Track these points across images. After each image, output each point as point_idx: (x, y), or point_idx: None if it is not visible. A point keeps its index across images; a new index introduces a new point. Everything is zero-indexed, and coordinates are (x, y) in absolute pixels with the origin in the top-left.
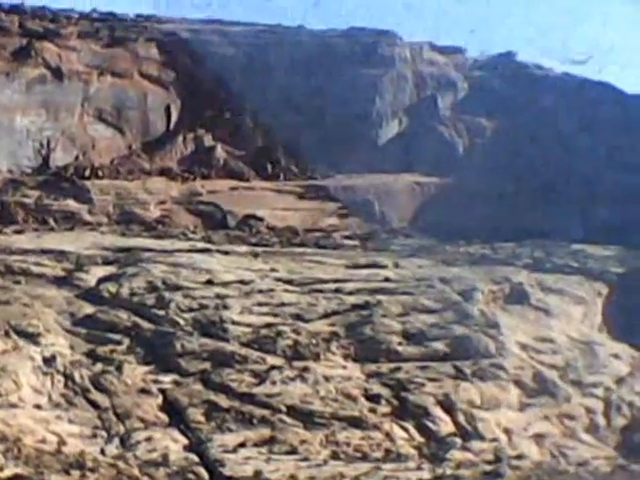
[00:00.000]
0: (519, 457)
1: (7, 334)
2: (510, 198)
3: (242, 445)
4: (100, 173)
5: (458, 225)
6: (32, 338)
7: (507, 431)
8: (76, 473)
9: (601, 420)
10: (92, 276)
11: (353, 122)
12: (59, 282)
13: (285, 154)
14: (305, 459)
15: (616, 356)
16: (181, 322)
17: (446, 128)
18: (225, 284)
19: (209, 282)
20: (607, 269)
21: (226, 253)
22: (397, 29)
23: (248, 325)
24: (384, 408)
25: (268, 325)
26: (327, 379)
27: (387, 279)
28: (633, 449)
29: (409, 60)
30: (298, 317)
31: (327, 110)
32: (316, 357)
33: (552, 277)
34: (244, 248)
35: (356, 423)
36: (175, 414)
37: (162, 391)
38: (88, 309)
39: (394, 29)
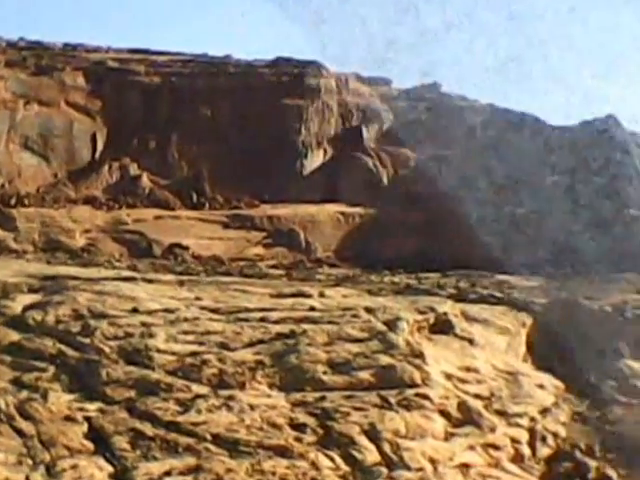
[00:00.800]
0: None
1: None
2: (434, 228)
3: (168, 474)
4: (26, 201)
5: (383, 255)
6: None
7: (433, 461)
8: None
9: (526, 450)
10: (18, 304)
11: (278, 152)
12: None
13: (210, 183)
14: None
15: (541, 386)
16: (106, 350)
17: (371, 158)
18: (150, 312)
19: (134, 310)
20: (531, 300)
21: (151, 281)
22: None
23: (173, 353)
24: (310, 437)
25: (193, 353)
26: (252, 408)
27: (312, 308)
28: (558, 479)
29: (335, 90)
30: (223, 346)
31: (252, 140)
32: (241, 386)
33: (476, 307)
34: (169, 277)
35: (282, 452)
36: (100, 442)
37: (87, 419)
38: (13, 336)
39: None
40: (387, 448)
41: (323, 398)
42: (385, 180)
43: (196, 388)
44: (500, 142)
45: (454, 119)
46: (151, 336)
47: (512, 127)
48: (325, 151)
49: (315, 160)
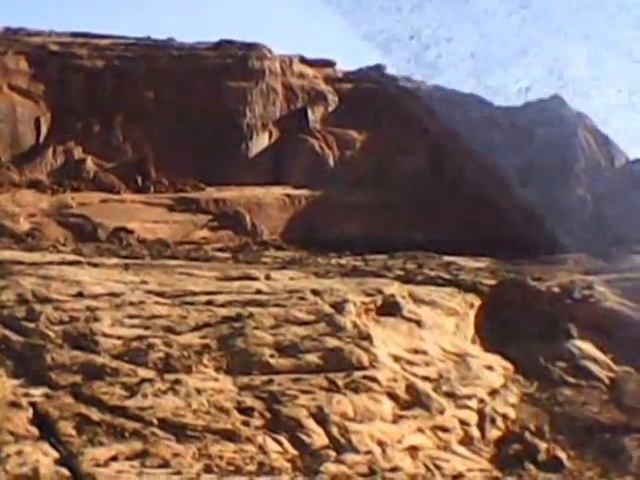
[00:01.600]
0: (393, 470)
1: None
2: (381, 210)
3: (114, 459)
4: None
5: (330, 237)
6: None
7: (381, 443)
8: None
9: (475, 432)
10: None
11: (223, 135)
12: None
13: (155, 167)
14: (177, 473)
15: (489, 368)
16: (51, 335)
17: (316, 140)
18: (95, 296)
19: (79, 295)
20: (479, 281)
21: (96, 265)
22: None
23: (119, 337)
24: (257, 421)
25: (139, 337)
26: (199, 392)
27: (259, 291)
28: (507, 461)
29: (279, 73)
30: (169, 329)
31: (197, 123)
32: (188, 370)
33: (424, 289)
34: (115, 260)
35: (229, 436)
36: (46, 427)
37: (32, 404)
38: None
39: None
40: (335, 431)
41: (270, 381)
42: (331, 162)
43: (142, 372)
44: (447, 123)
45: (397, 101)
46: (96, 320)
47: (458, 108)
48: (270, 133)
49: (260, 142)
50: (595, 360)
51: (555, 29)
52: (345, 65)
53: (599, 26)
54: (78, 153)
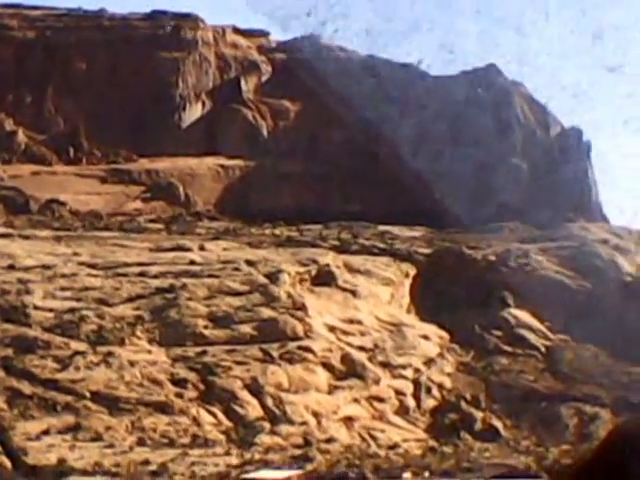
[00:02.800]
0: (328, 441)
1: None
2: (315, 180)
3: (46, 432)
4: None
5: (264, 207)
6: None
7: (316, 414)
8: None
9: (411, 402)
10: None
11: (156, 105)
12: None
13: (87, 138)
14: (110, 446)
15: (425, 337)
16: None
17: (250, 111)
18: (27, 269)
19: (11, 267)
20: (414, 250)
21: (28, 238)
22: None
23: (51, 310)
24: (191, 393)
25: (71, 310)
26: (132, 364)
27: (192, 262)
28: (444, 431)
29: (212, 43)
30: (102, 301)
31: (129, 94)
32: (121, 342)
33: (359, 258)
34: (47, 232)
35: (162, 408)
36: None
37: None
38: None
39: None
40: (270, 402)
41: (204, 353)
42: (264, 132)
43: (74, 345)
44: (378, 92)
45: (332, 70)
46: (28, 293)
47: (391, 78)
48: (203, 104)
49: (193, 113)
50: (531, 329)
51: (447, 4)
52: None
53: (489, 1)
54: (9, 125)
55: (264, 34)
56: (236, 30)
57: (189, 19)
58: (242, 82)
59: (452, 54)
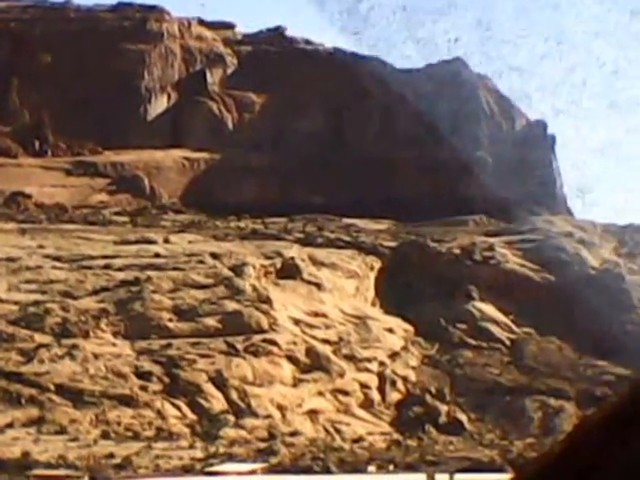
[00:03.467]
0: (293, 434)
1: None
2: (281, 172)
3: (10, 426)
4: None
5: (229, 200)
6: None
7: (281, 407)
8: None
9: (376, 395)
10: None
11: (121, 98)
12: None
13: (53, 130)
14: (75, 439)
15: (390, 330)
16: None
17: (215, 103)
18: None
19: None
20: (379, 243)
21: None
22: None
23: (15, 303)
24: (155, 386)
25: (36, 302)
26: (97, 357)
27: (157, 255)
28: (408, 424)
29: (177, 35)
30: (67, 294)
31: (95, 86)
32: (85, 334)
33: (324, 251)
34: (11, 225)
35: (127, 401)
36: None
37: None
38: None
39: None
40: (234, 395)
41: (169, 346)
42: (230, 125)
43: (39, 338)
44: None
45: (296, 64)
46: None
47: (358, 71)
48: (169, 96)
49: (159, 105)
50: (496, 322)
51: None
52: (249, 24)
53: None
54: None
55: (230, 26)
56: (202, 22)
57: (155, 11)
58: (207, 74)
59: (489, 31)
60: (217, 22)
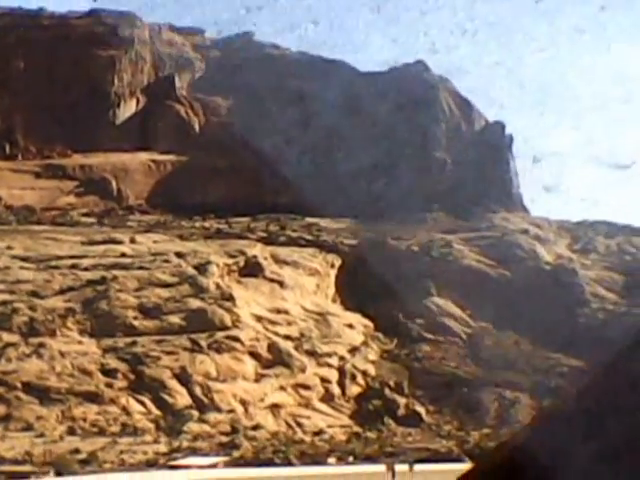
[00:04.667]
0: (255, 428)
1: None
2: (245, 174)
3: None
4: None
5: (195, 201)
6: None
7: (243, 402)
8: None
9: (336, 389)
10: None
11: (91, 102)
12: None
13: (23, 134)
14: (41, 435)
15: (350, 326)
16: None
17: (182, 107)
18: None
19: None
20: (340, 241)
21: None
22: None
23: None
24: (120, 382)
25: (4, 302)
26: (63, 355)
27: (123, 254)
28: (368, 417)
29: (148, 41)
30: (34, 294)
31: (65, 91)
32: (52, 333)
33: (286, 250)
34: None
35: (92, 398)
36: None
37: None
38: None
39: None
40: (198, 391)
41: (134, 343)
42: (197, 128)
43: (6, 337)
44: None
45: (263, 68)
46: None
47: (320, 75)
48: (138, 100)
49: (128, 109)
50: (453, 317)
51: None
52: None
53: None
54: None
55: (199, 32)
56: (172, 28)
57: (127, 17)
58: (176, 79)
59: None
60: (187, 28)
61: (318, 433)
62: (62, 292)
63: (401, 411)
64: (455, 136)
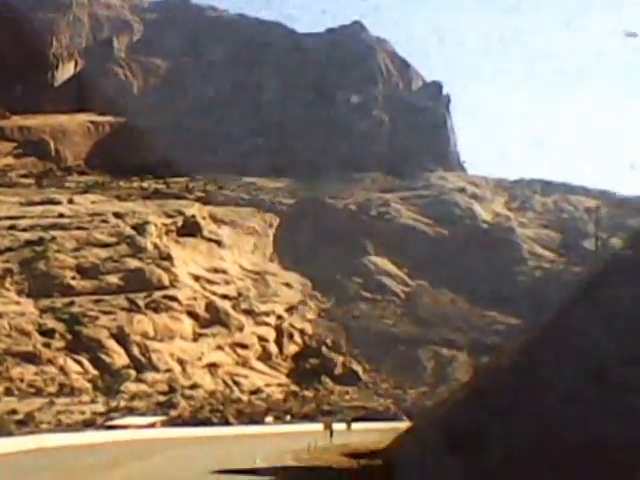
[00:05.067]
0: (193, 387)
1: None
2: (183, 134)
3: None
4: None
5: (133, 161)
6: None
7: (181, 361)
8: None
9: (273, 348)
10: None
11: (29, 65)
12: None
13: None
14: None
15: (287, 285)
16: None
17: (121, 69)
18: None
19: None
20: (278, 200)
21: None
22: None
23: None
24: (58, 342)
25: None
26: (0, 315)
27: (61, 215)
28: (305, 375)
29: (86, 3)
30: None
31: (3, 53)
32: None
33: (224, 209)
34: None
35: (30, 358)
36: None
37: None
38: None
39: None
40: (135, 350)
41: (72, 303)
42: (135, 90)
43: None
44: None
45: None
46: None
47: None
48: (76, 63)
49: (66, 72)
50: (390, 275)
51: None
52: None
53: None
54: None
55: None
56: None
57: None
58: (114, 41)
59: None
60: None
61: (255, 392)
62: (0, 253)
63: (338, 370)
64: (393, 96)
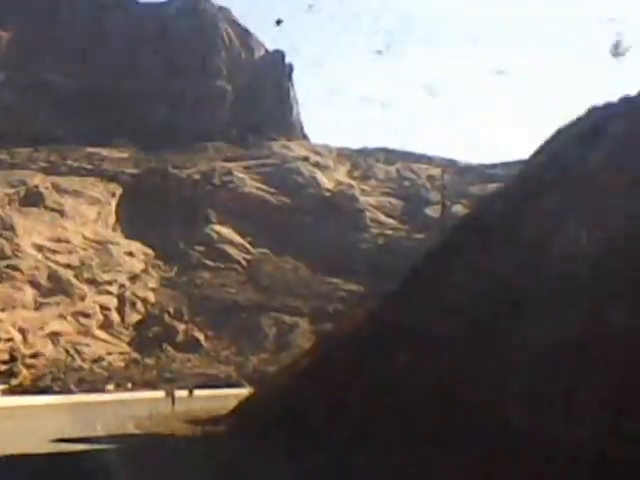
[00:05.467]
0: (34, 356)
1: None
2: (25, 104)
3: None
4: None
5: None
6: None
7: (22, 330)
8: None
9: (115, 316)
10: None
11: None
12: None
13: None
14: None
15: (130, 254)
16: None
17: None
18: None
19: None
20: (121, 170)
21: None
22: None
23: None
24: None
25: None
26: None
27: None
28: (146, 343)
29: None
30: None
31: None
32: None
33: (67, 179)
34: None
35: None
36: None
37: None
38: None
39: None
40: None
41: None
42: None
43: None
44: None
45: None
46: None
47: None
48: None
49: None
50: (233, 243)
51: None
52: None
53: None
54: None
55: None
56: None
57: None
58: None
59: None
60: None
61: (97, 360)
62: None
63: (180, 337)
64: (235, 65)
